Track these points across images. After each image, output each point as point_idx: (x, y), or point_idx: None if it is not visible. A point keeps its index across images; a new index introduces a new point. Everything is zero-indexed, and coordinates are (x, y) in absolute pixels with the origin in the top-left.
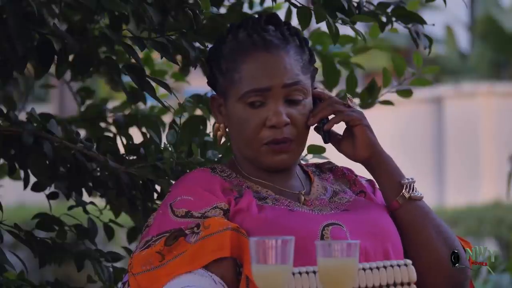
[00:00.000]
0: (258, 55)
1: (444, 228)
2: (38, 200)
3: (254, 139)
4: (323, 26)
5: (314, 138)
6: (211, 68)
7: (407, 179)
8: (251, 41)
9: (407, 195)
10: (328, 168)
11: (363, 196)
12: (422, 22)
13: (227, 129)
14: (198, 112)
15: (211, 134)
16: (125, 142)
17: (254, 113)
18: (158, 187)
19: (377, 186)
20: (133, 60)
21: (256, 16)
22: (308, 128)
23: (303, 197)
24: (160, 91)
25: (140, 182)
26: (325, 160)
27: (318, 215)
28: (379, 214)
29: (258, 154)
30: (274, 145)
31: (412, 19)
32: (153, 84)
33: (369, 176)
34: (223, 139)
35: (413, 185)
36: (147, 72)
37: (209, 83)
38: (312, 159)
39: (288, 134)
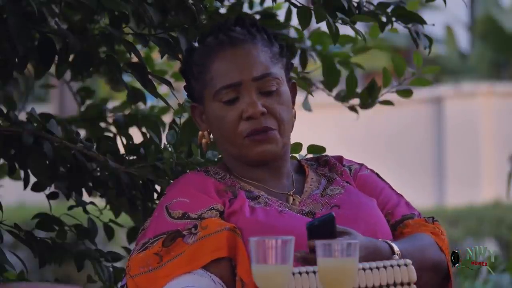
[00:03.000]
0: (225, 52)
1: (425, 258)
2: (38, 200)
3: (234, 134)
4: (323, 26)
5: (313, 138)
6: (186, 78)
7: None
8: (218, 42)
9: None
10: (324, 161)
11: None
12: (422, 22)
13: (211, 136)
14: None
15: None
16: (125, 142)
17: (229, 109)
18: (158, 187)
19: (362, 171)
20: (134, 59)
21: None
22: (291, 118)
23: (291, 198)
24: (161, 91)
25: (140, 182)
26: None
27: (307, 217)
28: (369, 210)
29: (241, 148)
30: (254, 136)
31: (412, 19)
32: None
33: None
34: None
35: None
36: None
37: (188, 96)
38: None
39: (268, 123)
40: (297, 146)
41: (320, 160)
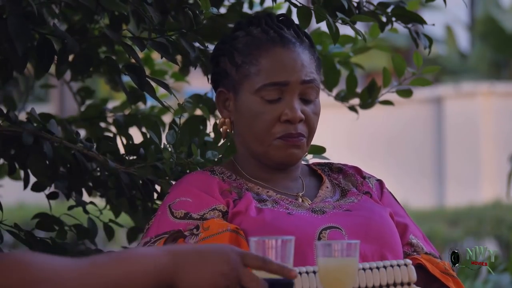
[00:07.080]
0: (276, 50)
1: None
2: (38, 200)
3: (267, 133)
4: (323, 26)
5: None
6: (218, 64)
7: None
8: (268, 37)
9: None
10: (338, 168)
11: (369, 196)
12: (422, 22)
13: (232, 125)
14: (198, 112)
15: (211, 134)
16: (125, 142)
17: (269, 107)
18: (158, 187)
19: (385, 188)
20: (133, 60)
21: (266, 14)
22: (315, 129)
23: (301, 199)
24: (160, 91)
25: (140, 182)
26: (326, 160)
27: (317, 217)
28: (381, 218)
29: (269, 148)
30: (288, 138)
31: (412, 19)
32: (153, 84)
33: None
34: (228, 138)
35: None
36: (147, 72)
37: (212, 80)
38: (312, 159)
39: (301, 130)
40: None
41: (333, 166)
